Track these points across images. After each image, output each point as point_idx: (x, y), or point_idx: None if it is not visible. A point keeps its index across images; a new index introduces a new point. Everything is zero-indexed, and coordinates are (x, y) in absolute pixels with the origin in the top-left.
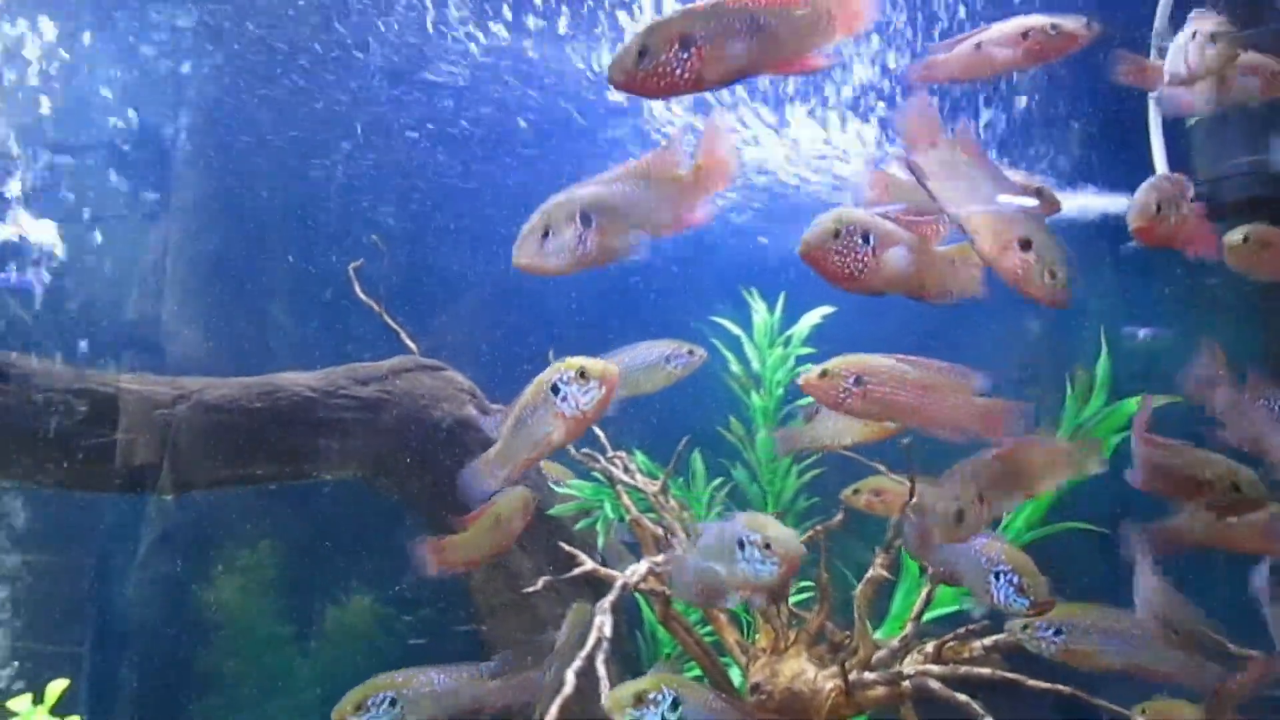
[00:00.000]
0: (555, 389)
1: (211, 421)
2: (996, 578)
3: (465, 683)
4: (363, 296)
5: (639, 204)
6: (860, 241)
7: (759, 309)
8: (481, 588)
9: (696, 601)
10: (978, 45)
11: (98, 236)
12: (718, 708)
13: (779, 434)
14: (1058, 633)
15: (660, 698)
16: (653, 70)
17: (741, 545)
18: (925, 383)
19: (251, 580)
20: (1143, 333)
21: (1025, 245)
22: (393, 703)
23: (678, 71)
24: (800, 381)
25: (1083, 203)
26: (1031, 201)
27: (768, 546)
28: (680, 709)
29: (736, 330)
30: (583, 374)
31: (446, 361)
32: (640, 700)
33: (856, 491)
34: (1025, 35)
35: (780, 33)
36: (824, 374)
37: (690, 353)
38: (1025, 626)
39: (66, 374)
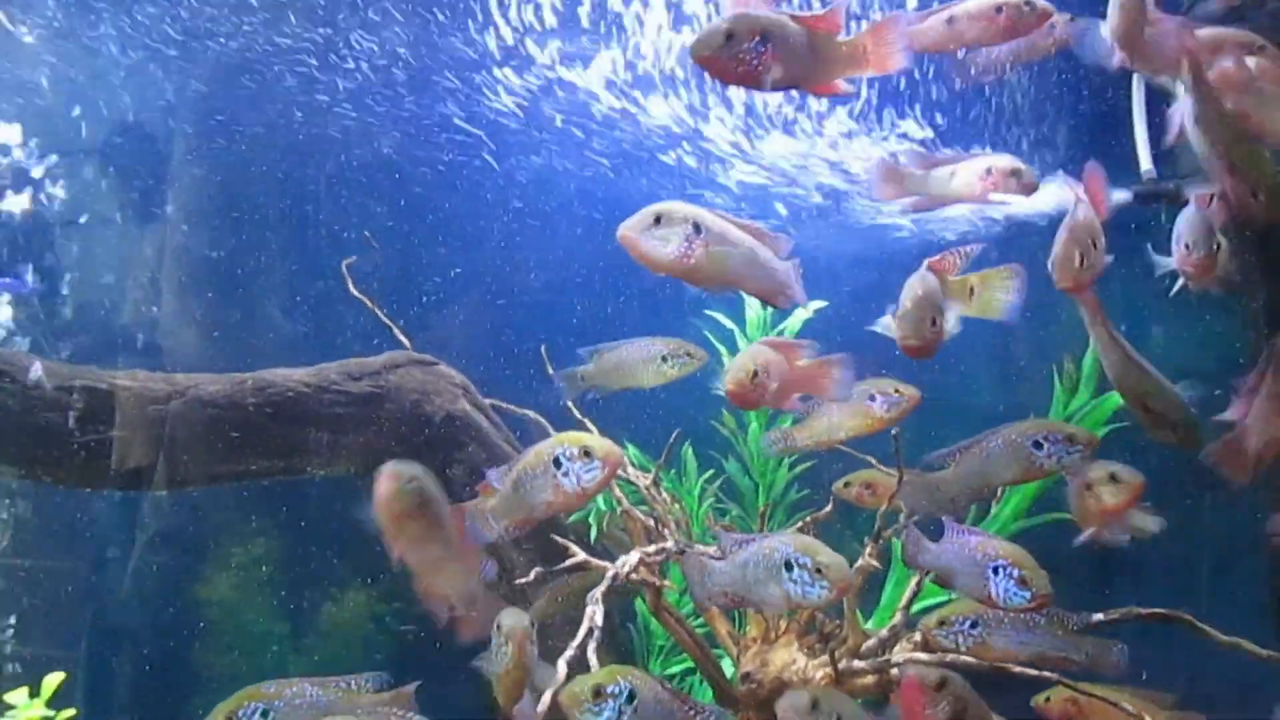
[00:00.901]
0: (557, 462)
1: (205, 417)
2: (995, 572)
3: (340, 695)
4: (355, 293)
5: (743, 251)
6: (940, 316)
7: (752, 302)
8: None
9: (719, 605)
10: (950, 19)
11: (92, 236)
12: (665, 698)
13: (771, 435)
14: (974, 626)
15: (618, 690)
16: (733, 54)
17: (790, 566)
18: (792, 362)
19: (245, 576)
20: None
21: (1146, 410)
22: (264, 714)
23: (753, 62)
24: (731, 388)
25: (1066, 196)
26: (1015, 197)
27: (819, 570)
28: (635, 701)
29: (730, 324)
30: (586, 452)
31: (440, 356)
32: (599, 694)
33: (847, 484)
34: (999, 10)
35: (825, 55)
36: (754, 376)
37: (689, 355)
38: (941, 623)
39: (61, 370)
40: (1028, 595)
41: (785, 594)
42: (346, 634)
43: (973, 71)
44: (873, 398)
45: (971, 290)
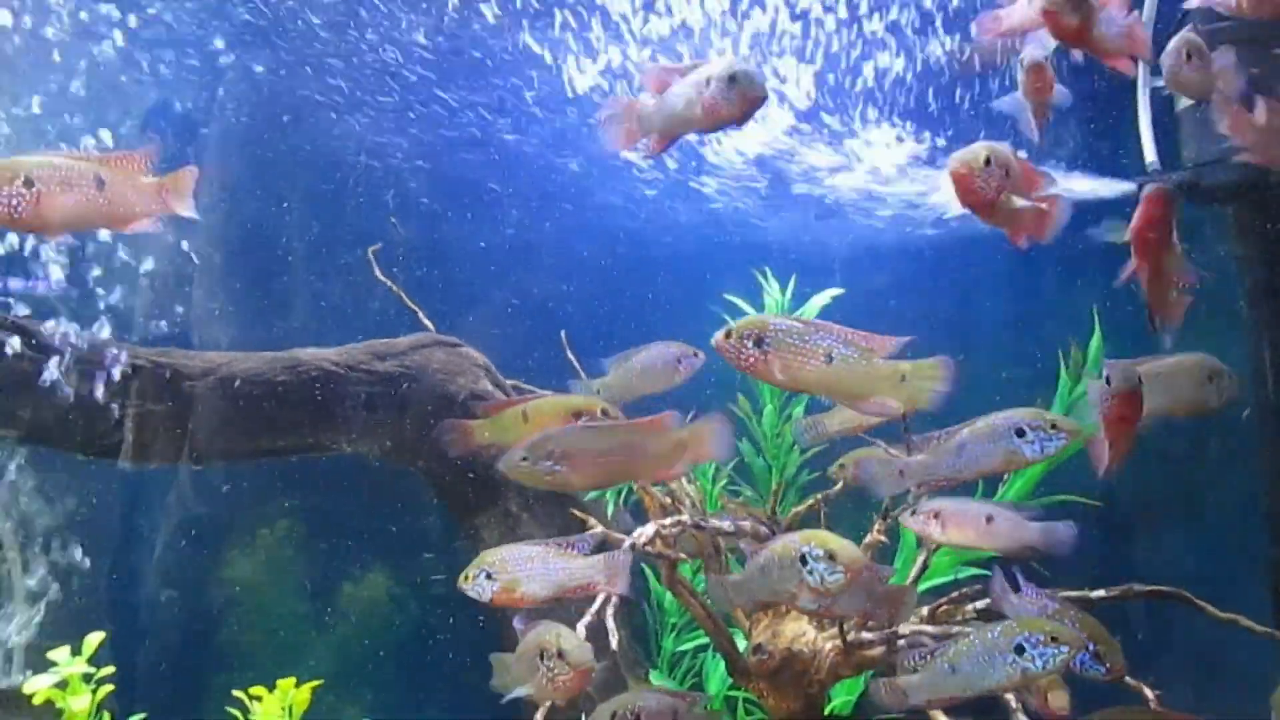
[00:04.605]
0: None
1: (237, 394)
2: None
3: None
4: (381, 277)
5: None
6: None
7: (771, 289)
8: None
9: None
10: None
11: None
12: None
13: (802, 424)
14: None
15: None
16: (531, 469)
17: (804, 560)
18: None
19: (269, 556)
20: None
21: None
22: None
23: (547, 477)
24: (958, 170)
25: (1071, 188)
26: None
27: (832, 557)
28: None
29: (749, 309)
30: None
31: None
32: None
33: (842, 465)
34: None
35: (648, 450)
36: (986, 162)
37: (695, 355)
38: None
39: (91, 343)
40: (1103, 670)
41: (809, 584)
42: (366, 614)
43: (979, 58)
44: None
45: (903, 378)
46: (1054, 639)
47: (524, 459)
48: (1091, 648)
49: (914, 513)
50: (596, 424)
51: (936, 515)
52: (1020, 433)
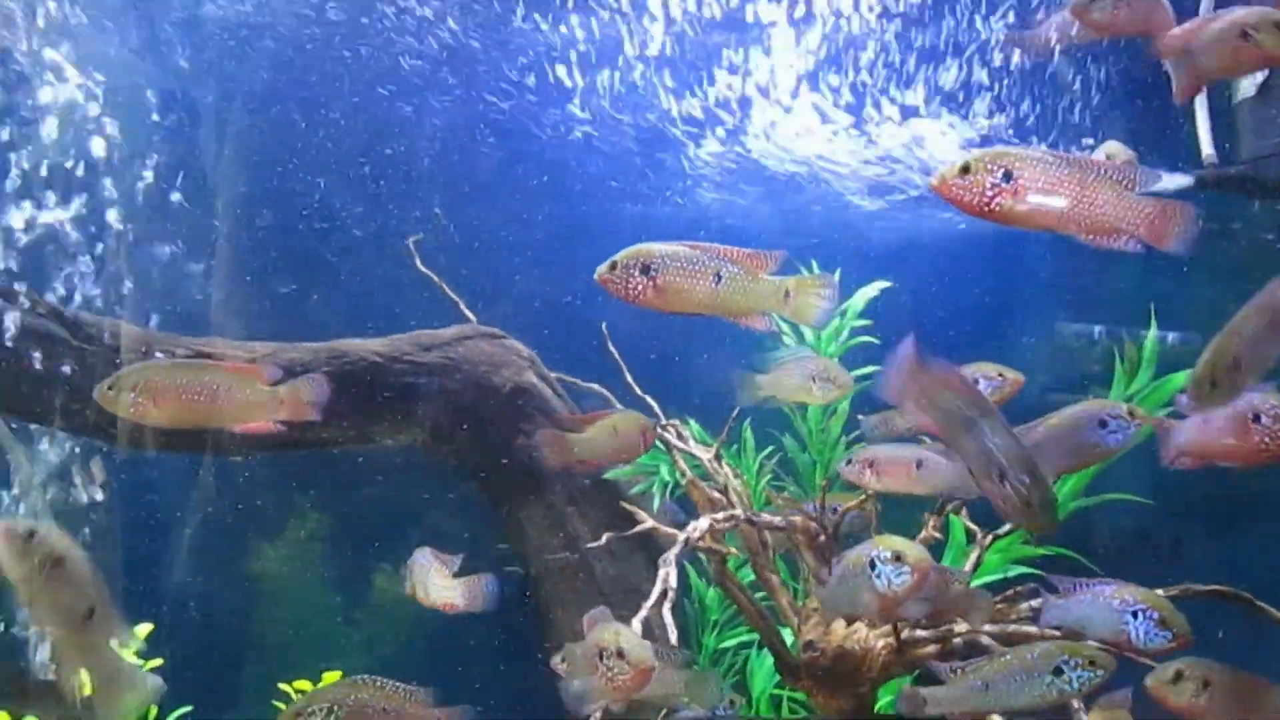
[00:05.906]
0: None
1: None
2: (1135, 616)
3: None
4: (423, 268)
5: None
6: None
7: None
8: (538, 550)
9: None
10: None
11: (175, 212)
12: None
13: (872, 420)
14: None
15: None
16: (115, 399)
17: (872, 565)
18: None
19: (299, 550)
20: (1170, 337)
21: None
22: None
23: (131, 409)
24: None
25: None
26: None
27: (899, 559)
28: None
29: None
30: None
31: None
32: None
33: (849, 462)
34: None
35: (234, 395)
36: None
37: (831, 380)
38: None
39: (141, 335)
40: (1169, 635)
41: (879, 590)
42: (400, 609)
43: (1028, 51)
44: (976, 381)
45: (787, 294)
46: (1092, 662)
47: (110, 389)
48: (1155, 616)
49: (849, 462)
50: (183, 361)
51: (871, 464)
52: (1103, 423)
